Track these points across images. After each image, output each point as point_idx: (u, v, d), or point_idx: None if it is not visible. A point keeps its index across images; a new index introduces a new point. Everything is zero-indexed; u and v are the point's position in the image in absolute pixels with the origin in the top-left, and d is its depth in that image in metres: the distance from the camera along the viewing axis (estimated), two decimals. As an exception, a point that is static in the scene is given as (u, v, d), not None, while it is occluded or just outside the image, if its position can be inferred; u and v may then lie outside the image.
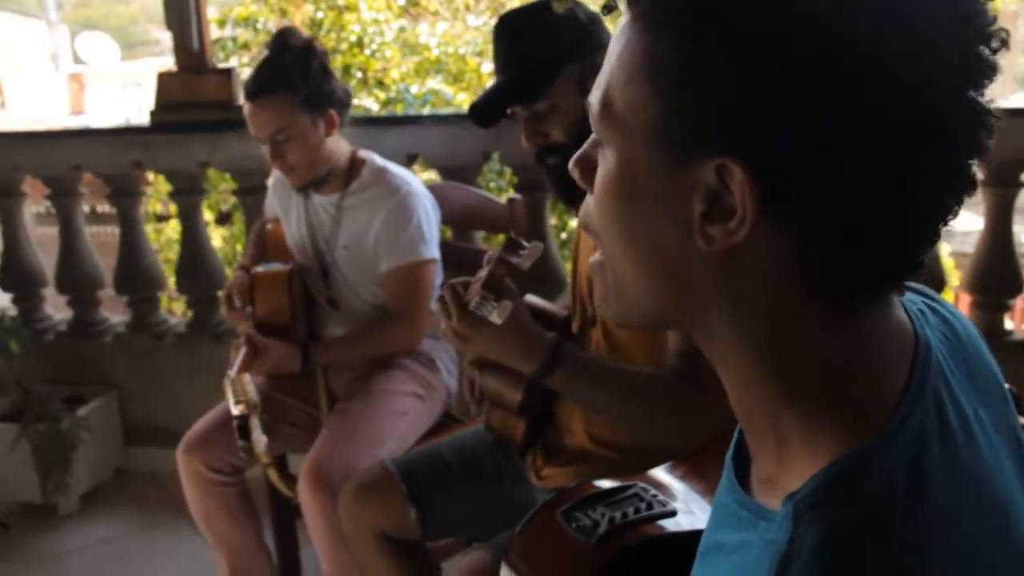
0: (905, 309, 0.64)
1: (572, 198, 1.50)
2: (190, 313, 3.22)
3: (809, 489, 0.56)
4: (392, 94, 7.78)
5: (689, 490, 1.04)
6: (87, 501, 3.04)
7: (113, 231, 3.28)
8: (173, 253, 5.42)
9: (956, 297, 4.50)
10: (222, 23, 8.48)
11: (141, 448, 3.21)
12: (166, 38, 3.31)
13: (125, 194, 3.17)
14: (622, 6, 0.60)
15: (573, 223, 5.39)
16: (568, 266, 2.09)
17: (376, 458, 1.87)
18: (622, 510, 0.99)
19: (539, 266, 1.60)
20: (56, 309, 3.45)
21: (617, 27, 0.61)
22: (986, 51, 0.54)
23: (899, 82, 0.52)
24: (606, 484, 1.05)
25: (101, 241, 3.76)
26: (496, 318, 1.32)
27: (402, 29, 8.74)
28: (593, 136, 0.65)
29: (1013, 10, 10.42)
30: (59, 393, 3.07)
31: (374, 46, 8.14)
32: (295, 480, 2.03)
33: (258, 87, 2.04)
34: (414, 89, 7.70)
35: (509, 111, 1.52)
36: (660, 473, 1.08)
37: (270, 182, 2.44)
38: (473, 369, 1.56)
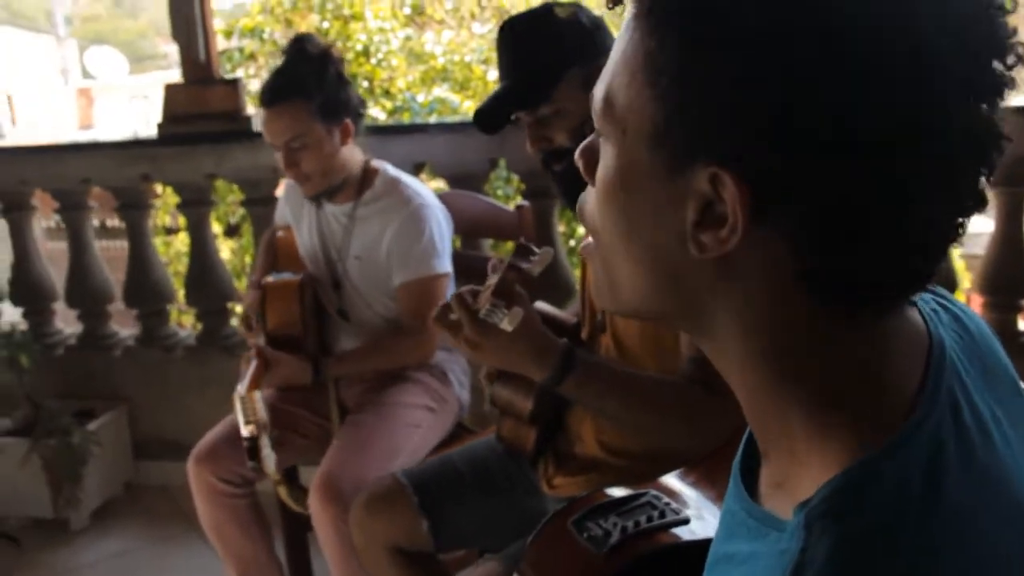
0: (918, 309, 0.63)
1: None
2: (199, 326, 3.23)
3: (821, 497, 0.55)
4: (398, 103, 7.80)
5: (702, 497, 1.03)
6: (98, 516, 3.04)
7: (123, 245, 3.29)
8: (182, 266, 5.43)
9: (968, 299, 4.48)
10: (228, 34, 8.54)
11: (151, 462, 3.21)
12: (174, 52, 3.32)
13: (134, 207, 3.18)
14: (627, 1, 0.59)
15: (582, 230, 5.39)
16: (577, 273, 2.08)
17: (388, 471, 1.86)
18: (634, 519, 0.98)
19: (548, 273, 1.59)
20: (66, 323, 3.45)
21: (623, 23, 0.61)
22: (998, 64, 0.53)
23: (898, 85, 0.51)
24: (618, 492, 1.04)
25: (111, 255, 3.77)
26: (507, 325, 1.31)
27: (408, 38, 8.78)
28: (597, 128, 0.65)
29: None
30: (69, 407, 3.08)
31: (380, 55, 8.18)
32: (306, 492, 2.02)
33: (274, 94, 2.03)
34: (420, 98, 7.73)
35: (513, 117, 1.51)
36: (672, 480, 1.07)
37: (280, 190, 2.43)
38: (486, 381, 1.55)
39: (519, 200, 2.70)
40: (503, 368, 1.48)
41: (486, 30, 9.32)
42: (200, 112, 3.02)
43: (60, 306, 3.38)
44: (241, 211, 6.75)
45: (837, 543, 0.53)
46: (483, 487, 1.73)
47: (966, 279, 5.32)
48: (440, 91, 7.98)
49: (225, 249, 7.73)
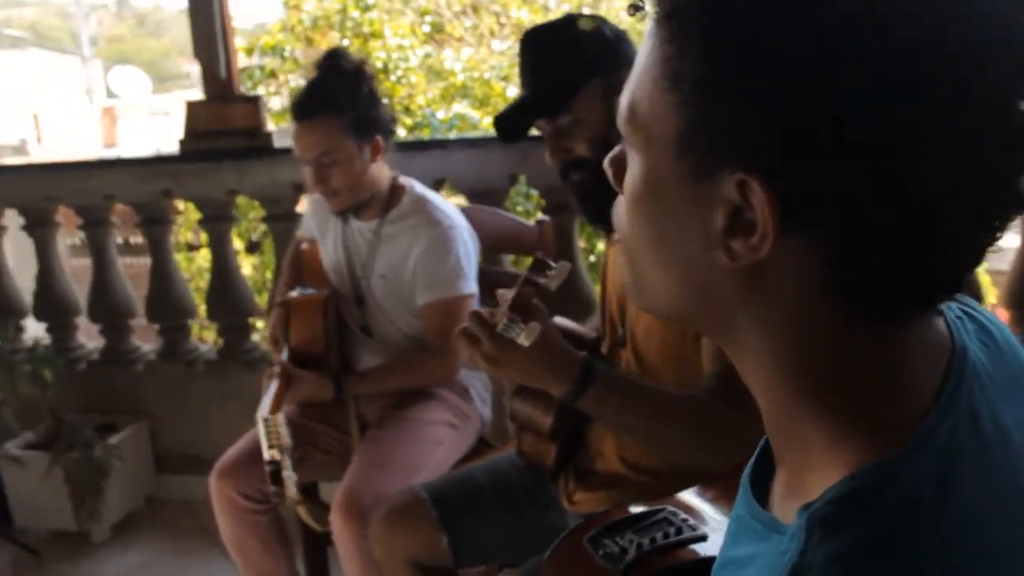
0: (943, 316, 0.63)
1: (597, 215, 1.49)
2: (221, 340, 3.24)
3: (825, 500, 0.54)
4: (418, 119, 7.83)
5: (720, 513, 1.02)
6: (119, 529, 3.05)
7: (145, 262, 3.31)
8: (204, 282, 5.47)
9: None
10: (249, 52, 8.62)
11: (173, 476, 3.22)
12: (196, 71, 3.35)
13: (156, 222, 3.21)
14: (648, 7, 0.59)
15: (601, 245, 5.38)
16: (597, 288, 2.07)
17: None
18: (650, 535, 0.97)
19: (568, 288, 1.59)
20: (89, 338, 3.48)
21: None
22: None
23: (927, 89, 0.51)
24: (634, 509, 1.03)
25: (134, 272, 3.80)
26: (524, 340, 1.30)
27: (427, 55, 8.82)
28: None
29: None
30: (91, 421, 3.09)
31: (399, 72, 8.22)
32: (327, 508, 2.02)
33: (306, 108, 2.03)
34: (440, 114, 7.75)
35: (533, 126, 1.51)
36: (689, 496, 1.06)
37: (303, 205, 2.43)
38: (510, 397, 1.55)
39: (539, 215, 2.71)
40: (522, 383, 1.47)
41: (506, 47, 9.35)
42: (221, 129, 3.04)
43: (83, 321, 3.40)
44: (262, 227, 6.79)
45: (840, 548, 0.52)
46: (503, 502, 1.73)
47: (992, 294, 5.27)
48: (460, 107, 8.01)
49: (246, 265, 7.78)
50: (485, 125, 7.49)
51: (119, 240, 3.58)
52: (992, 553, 0.54)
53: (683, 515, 1.01)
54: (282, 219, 3.04)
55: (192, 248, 8.44)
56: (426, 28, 9.50)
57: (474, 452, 2.21)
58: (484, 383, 2.31)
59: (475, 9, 10.13)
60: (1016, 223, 0.58)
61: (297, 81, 8.65)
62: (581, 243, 3.90)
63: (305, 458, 2.06)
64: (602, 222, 1.50)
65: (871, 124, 0.51)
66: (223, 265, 3.18)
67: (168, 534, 3.02)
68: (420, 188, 2.18)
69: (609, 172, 0.68)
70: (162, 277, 3.22)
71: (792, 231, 0.54)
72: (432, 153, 3.06)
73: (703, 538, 0.97)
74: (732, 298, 0.59)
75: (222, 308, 3.18)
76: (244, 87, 6.86)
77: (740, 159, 0.54)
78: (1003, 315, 2.84)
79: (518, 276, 1.39)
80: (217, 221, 3.17)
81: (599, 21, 1.47)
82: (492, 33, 9.91)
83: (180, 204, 3.60)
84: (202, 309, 3.40)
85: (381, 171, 2.13)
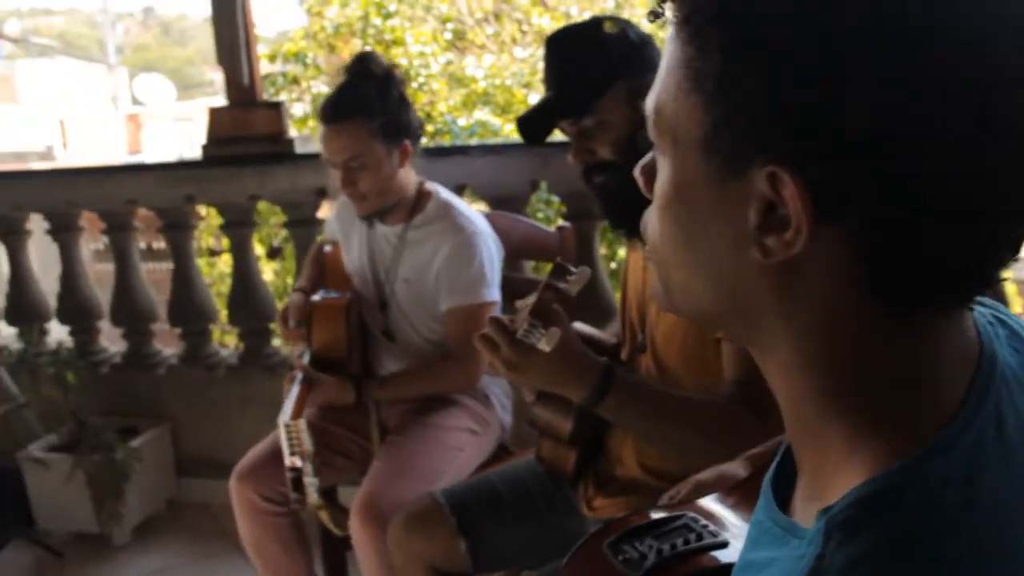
0: (974, 321, 0.62)
1: (619, 218, 1.49)
2: (242, 345, 3.26)
3: (844, 504, 0.54)
4: (439, 126, 7.85)
5: (741, 519, 1.01)
6: (140, 532, 3.07)
7: (168, 267, 3.34)
8: (225, 287, 5.49)
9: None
10: (272, 59, 8.68)
11: (193, 479, 3.23)
12: (220, 79, 3.37)
13: (178, 227, 3.23)
14: (669, 13, 0.59)
15: (622, 252, 5.37)
16: (617, 294, 2.07)
17: (430, 494, 1.85)
18: (671, 541, 0.96)
19: (588, 294, 1.59)
20: (111, 342, 3.51)
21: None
22: None
23: (951, 82, 0.50)
24: (655, 514, 1.02)
25: (156, 278, 3.83)
26: (544, 345, 1.30)
27: (449, 62, 8.85)
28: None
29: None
30: (113, 424, 3.11)
31: (421, 79, 8.24)
32: (346, 513, 2.02)
33: (335, 112, 2.02)
34: (461, 121, 7.76)
35: (556, 128, 1.51)
36: (710, 502, 1.05)
37: (323, 212, 2.43)
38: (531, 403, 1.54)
39: (560, 222, 2.70)
40: (542, 388, 1.47)
41: (527, 54, 9.36)
42: (244, 135, 3.06)
43: (105, 325, 3.43)
44: (283, 233, 6.82)
45: (859, 552, 0.51)
46: (522, 508, 1.72)
47: (1018, 303, 5.22)
48: (481, 114, 8.02)
49: (268, 271, 7.81)
50: (506, 132, 7.50)
51: (142, 246, 3.60)
52: (1013, 555, 0.53)
53: (703, 521, 1.00)
54: (303, 224, 3.05)
55: (214, 253, 8.49)
56: (448, 35, 9.54)
57: (494, 458, 2.20)
58: (505, 390, 2.30)
59: (497, 16, 10.15)
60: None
61: (319, 87, 8.70)
62: (602, 249, 3.89)
63: (325, 462, 2.06)
64: (624, 225, 1.50)
65: (898, 114, 0.50)
66: (244, 270, 3.20)
67: (188, 537, 3.03)
68: (445, 193, 2.18)
69: (640, 180, 0.67)
70: (184, 282, 3.24)
71: (825, 225, 0.53)
72: (453, 159, 3.06)
73: (724, 544, 0.96)
74: (764, 296, 0.59)
75: (243, 313, 3.20)
76: (267, 93, 6.89)
77: (768, 153, 0.54)
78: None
79: (539, 283, 1.38)
80: (239, 226, 3.18)
81: (624, 24, 1.47)
82: (514, 40, 9.93)
83: (202, 209, 3.62)
84: (223, 314, 3.42)
85: (408, 176, 2.13)
